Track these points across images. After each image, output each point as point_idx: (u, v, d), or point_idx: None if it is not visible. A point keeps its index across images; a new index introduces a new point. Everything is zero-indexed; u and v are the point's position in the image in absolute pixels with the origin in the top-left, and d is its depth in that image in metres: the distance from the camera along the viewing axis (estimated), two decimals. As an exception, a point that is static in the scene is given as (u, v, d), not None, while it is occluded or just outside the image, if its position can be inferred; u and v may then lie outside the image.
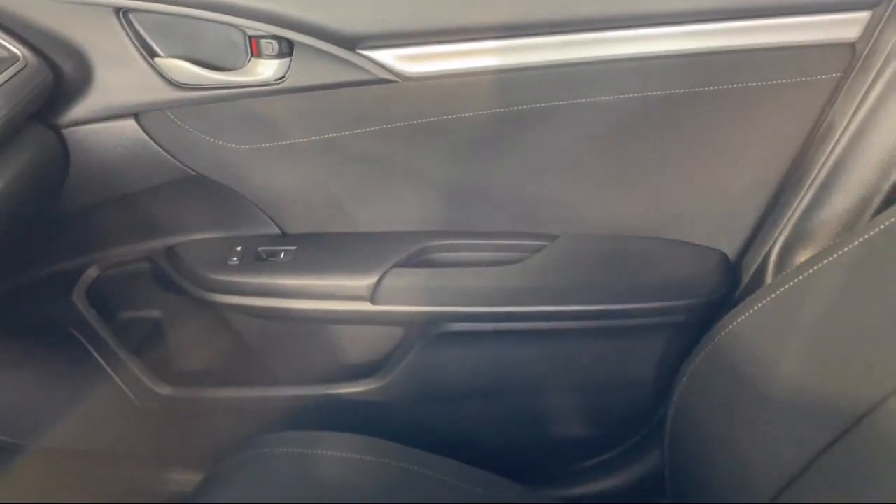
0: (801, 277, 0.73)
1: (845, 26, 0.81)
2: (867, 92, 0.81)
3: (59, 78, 0.85)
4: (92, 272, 1.02)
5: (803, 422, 0.70)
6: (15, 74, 0.79)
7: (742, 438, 0.77)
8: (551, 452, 1.12)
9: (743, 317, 0.77)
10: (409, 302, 0.95)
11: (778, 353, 0.73)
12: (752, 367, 0.76)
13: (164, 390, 1.07)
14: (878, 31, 0.80)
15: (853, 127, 0.83)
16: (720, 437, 0.79)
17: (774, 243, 0.90)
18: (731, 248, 0.96)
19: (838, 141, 0.84)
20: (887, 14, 0.79)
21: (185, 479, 1.11)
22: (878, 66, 0.80)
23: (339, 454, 0.88)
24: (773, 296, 0.75)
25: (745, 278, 0.94)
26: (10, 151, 0.78)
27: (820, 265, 0.72)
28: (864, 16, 0.80)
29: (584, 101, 0.86)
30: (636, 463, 1.11)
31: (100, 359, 1.06)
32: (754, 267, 0.92)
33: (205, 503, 0.83)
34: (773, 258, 0.90)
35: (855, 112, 0.82)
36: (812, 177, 0.86)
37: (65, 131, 0.87)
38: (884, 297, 0.66)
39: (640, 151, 0.91)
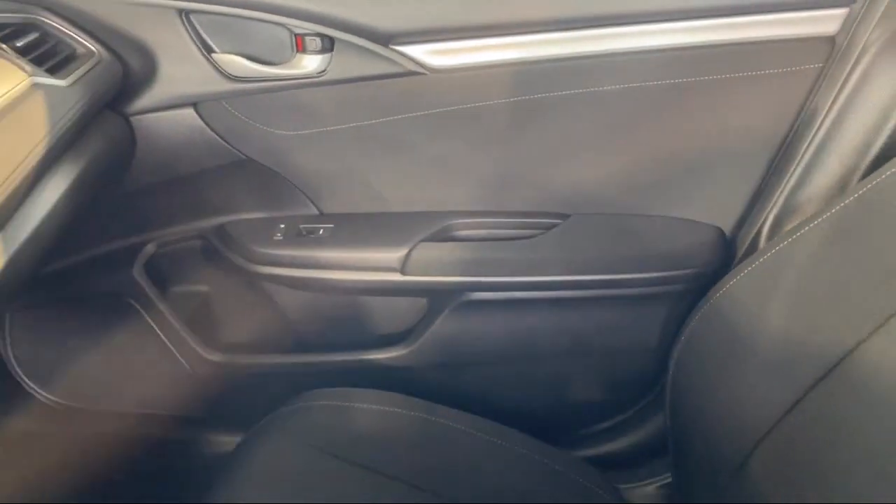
0: (786, 242, 0.81)
1: (825, 22, 0.89)
2: (846, 80, 0.89)
3: (128, 71, 0.95)
4: (150, 248, 1.12)
5: (787, 369, 0.78)
6: (91, 68, 0.89)
7: (734, 388, 0.85)
8: (564, 416, 1.20)
9: (734, 280, 0.85)
10: (435, 273, 1.04)
11: (764, 310, 0.82)
12: (741, 324, 0.84)
13: (214, 357, 1.17)
14: (854, 25, 0.88)
15: (834, 112, 0.91)
16: (714, 388, 0.87)
17: (766, 218, 0.98)
18: (726, 224, 1.04)
19: (821, 125, 0.92)
20: (862, 10, 0.88)
21: (232, 439, 1.20)
22: (855, 57, 0.88)
23: (373, 407, 0.97)
24: (762, 259, 0.83)
25: (740, 251, 1.02)
26: (88, 136, 0.88)
27: (802, 231, 0.80)
28: (842, 12, 0.88)
29: (591, 90, 0.95)
30: (643, 426, 1.19)
31: (156, 328, 1.15)
32: (748, 240, 1.00)
33: (251, 449, 0.93)
34: (764, 232, 0.98)
35: (835, 98, 0.91)
36: (798, 157, 0.95)
37: (132, 119, 0.97)
38: (855, 255, 0.75)
39: (642, 137, 0.99)
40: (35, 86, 0.78)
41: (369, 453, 0.91)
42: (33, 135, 0.74)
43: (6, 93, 0.73)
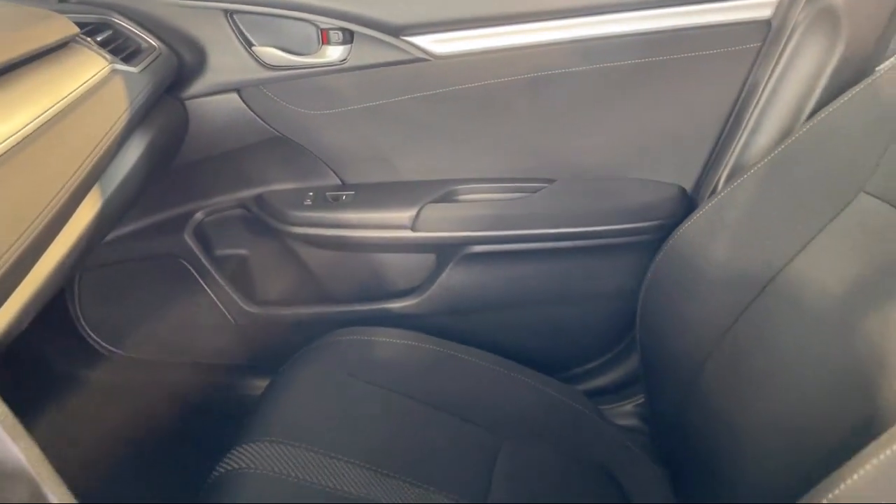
0: (728, 189, 0.96)
1: (761, 7, 1.04)
2: (780, 56, 1.04)
3: (183, 62, 1.10)
4: (199, 216, 1.27)
5: (730, 291, 0.93)
6: (154, 59, 1.04)
7: (688, 312, 0.99)
8: (556, 354, 1.33)
9: (689, 223, 1.00)
10: (441, 229, 1.19)
11: (712, 244, 0.96)
12: (693, 258, 0.98)
13: (253, 309, 1.32)
14: (785, 9, 1.03)
15: (771, 83, 1.06)
16: (672, 314, 1.02)
17: (720, 176, 1.13)
18: (687, 182, 1.19)
19: (761, 94, 1.07)
20: (790, -2, 1.02)
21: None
22: (786, 36, 1.03)
23: (392, 341, 1.11)
24: (710, 205, 0.98)
25: (699, 204, 1.16)
26: (153, 115, 1.03)
27: (741, 179, 0.95)
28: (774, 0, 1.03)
29: (569, 71, 1.10)
30: (624, 363, 1.33)
31: (204, 285, 1.30)
32: (706, 195, 1.15)
33: (292, 374, 1.07)
34: (719, 187, 1.13)
35: (772, 71, 1.05)
36: (744, 122, 1.09)
37: (186, 103, 1.13)
38: (780, 195, 0.90)
39: (613, 111, 1.14)
40: (114, 71, 0.93)
41: (391, 378, 1.05)
42: (116, 109, 0.90)
43: (94, 75, 0.89)
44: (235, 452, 0.89)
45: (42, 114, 0.74)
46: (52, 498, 0.55)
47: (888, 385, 0.64)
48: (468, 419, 1.01)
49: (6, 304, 0.62)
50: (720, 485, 0.85)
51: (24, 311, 0.65)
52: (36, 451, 0.54)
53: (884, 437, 0.51)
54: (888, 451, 0.50)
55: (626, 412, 1.25)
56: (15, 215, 0.64)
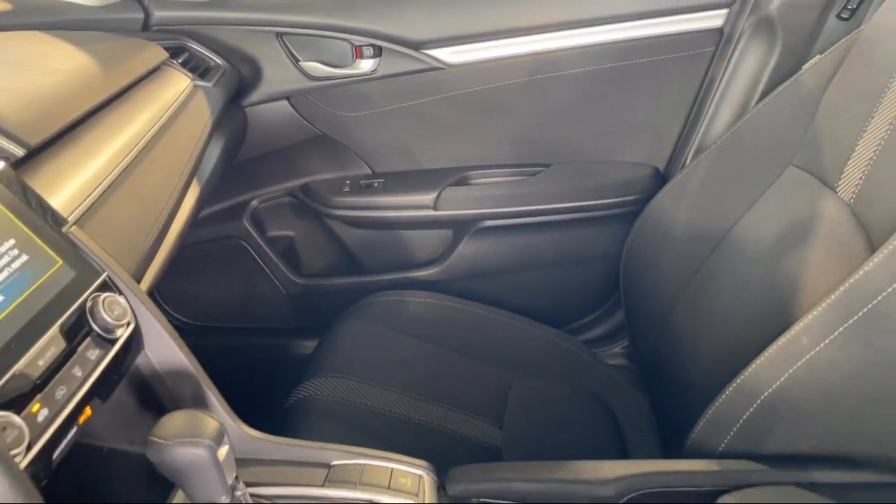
0: (692, 165, 1.15)
1: (715, 18, 1.23)
2: (730, 57, 1.23)
3: (243, 77, 1.29)
4: (254, 203, 1.47)
5: (691, 247, 1.11)
6: (221, 76, 1.23)
7: (659, 265, 1.18)
8: (555, 311, 1.52)
9: (660, 194, 1.19)
10: (457, 208, 1.38)
11: (678, 210, 1.15)
12: (663, 221, 1.17)
13: (300, 280, 1.51)
14: (734, 19, 1.22)
15: (725, 79, 1.25)
16: (647, 267, 1.21)
17: (686, 156, 1.32)
18: (660, 163, 1.38)
19: (717, 89, 1.26)
20: (737, 7, 1.21)
21: (312, 343, 1.52)
22: (735, 42, 1.22)
23: (420, 300, 1.31)
24: (678, 178, 1.16)
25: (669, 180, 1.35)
26: (225, 120, 1.22)
27: (701, 157, 1.14)
28: (725, 11, 1.22)
29: (560, 74, 1.29)
30: (611, 317, 1.52)
31: (259, 261, 1.50)
32: (675, 172, 1.33)
33: (339, 329, 1.26)
34: (687, 166, 1.31)
35: (724, 70, 1.24)
36: (705, 112, 1.28)
37: (246, 109, 1.32)
38: (731, 166, 1.08)
39: (596, 106, 1.33)
40: (196, 86, 1.13)
41: (419, 330, 1.25)
42: (203, 116, 1.09)
43: (183, 90, 1.08)
44: (303, 386, 1.08)
45: (157, 120, 0.94)
46: (209, 396, 0.75)
47: (799, 307, 0.83)
48: (485, 361, 1.20)
49: (153, 263, 0.82)
50: (684, 398, 1.04)
51: (162, 269, 0.85)
52: (194, 360, 0.74)
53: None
54: (781, 340, 0.69)
55: (614, 353, 1.44)
56: (154, 197, 0.84)
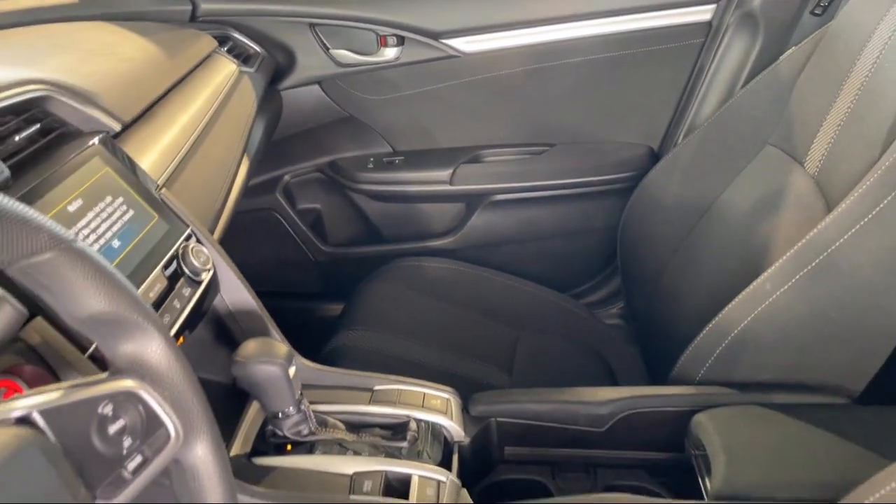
0: (681, 144, 1.27)
1: (703, 13, 1.34)
2: (717, 48, 1.34)
3: (279, 63, 1.41)
4: (287, 178, 1.58)
5: (680, 217, 1.23)
6: (261, 62, 1.35)
7: (653, 232, 1.30)
8: (558, 277, 1.65)
9: (654, 171, 1.31)
10: (470, 183, 1.50)
11: (669, 183, 1.27)
12: (656, 194, 1.29)
13: (327, 249, 1.63)
14: (720, 14, 1.33)
15: (713, 67, 1.36)
16: (641, 234, 1.32)
17: (678, 137, 1.43)
18: (654, 143, 1.49)
19: (706, 75, 1.37)
20: (724, 4, 1.32)
21: (338, 307, 1.64)
22: (721, 34, 1.33)
23: (438, 265, 1.43)
24: (669, 155, 1.28)
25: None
26: (264, 103, 1.34)
27: (690, 137, 1.25)
28: (712, 6, 1.33)
29: (563, 62, 1.40)
30: (609, 283, 1.64)
31: (291, 231, 1.62)
32: (667, 151, 1.45)
33: (365, 291, 1.39)
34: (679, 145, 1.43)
35: (713, 59, 1.36)
36: (695, 97, 1.39)
37: (282, 92, 1.44)
38: (717, 145, 1.20)
39: (597, 91, 1.45)
40: (241, 72, 1.25)
41: (436, 291, 1.37)
42: (249, 98, 1.21)
43: (231, 75, 1.20)
44: (337, 337, 1.21)
45: (214, 101, 1.06)
46: (273, 331, 0.88)
47: (767, 262, 0.94)
48: (495, 319, 1.33)
49: (220, 222, 0.95)
50: (670, 346, 1.16)
51: (226, 227, 0.98)
52: (259, 302, 0.87)
53: None
54: (750, 287, 0.81)
55: (610, 314, 1.56)
56: (218, 168, 0.96)
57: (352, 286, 1.42)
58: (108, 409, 0.42)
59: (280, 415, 0.74)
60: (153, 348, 0.45)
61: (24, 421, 0.38)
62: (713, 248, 1.16)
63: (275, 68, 1.40)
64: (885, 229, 0.76)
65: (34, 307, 0.55)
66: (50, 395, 0.40)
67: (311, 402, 0.80)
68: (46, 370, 0.55)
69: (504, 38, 1.39)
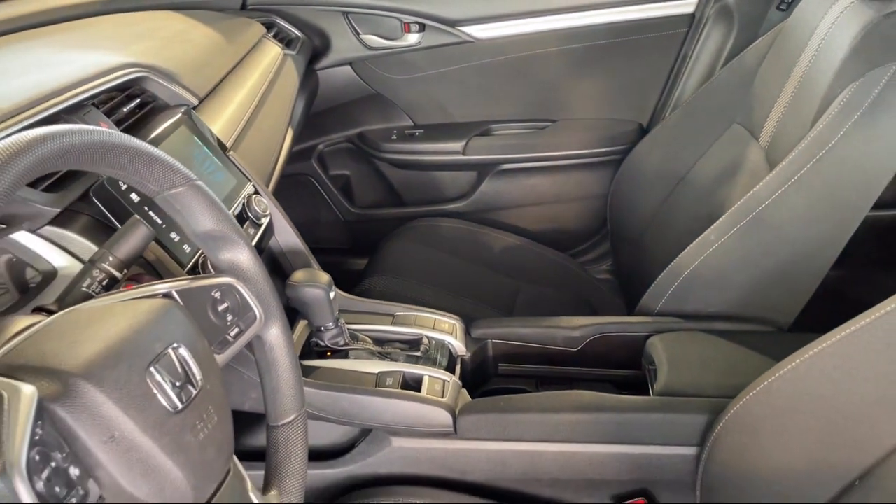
0: (664, 121, 1.42)
1: (687, 6, 1.49)
2: (699, 37, 1.49)
3: (315, 46, 1.58)
4: (321, 147, 1.76)
5: (657, 184, 1.39)
6: (301, 46, 1.52)
7: (637, 199, 1.45)
8: (557, 239, 1.81)
9: (639, 145, 1.47)
10: (481, 153, 1.67)
11: (651, 154, 1.42)
12: (640, 164, 1.45)
13: (355, 209, 1.82)
14: (702, 7, 1.48)
15: (694, 54, 1.51)
16: (625, 199, 1.49)
17: (665, 115, 1.59)
18: (644, 120, 1.65)
19: (688, 62, 1.52)
20: (705, -3, 1.47)
21: (363, 261, 1.82)
22: (702, 25, 1.48)
23: (451, 225, 1.61)
24: (652, 132, 1.44)
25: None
26: (305, 81, 1.51)
27: (672, 114, 1.41)
28: (695, 0, 1.48)
29: (564, 48, 1.56)
30: (601, 245, 1.81)
31: (323, 193, 1.80)
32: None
33: (387, 247, 1.57)
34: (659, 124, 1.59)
35: (694, 47, 1.51)
36: (681, 80, 1.55)
37: (318, 72, 1.61)
38: (694, 121, 1.35)
39: (593, 74, 1.60)
40: (285, 55, 1.42)
41: (449, 247, 1.55)
42: (293, 78, 1.39)
43: (277, 57, 1.37)
44: (363, 283, 1.39)
45: (265, 80, 1.24)
46: (315, 267, 1.06)
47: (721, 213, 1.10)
48: (499, 272, 1.50)
49: (272, 180, 1.13)
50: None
51: (275, 187, 1.16)
52: (305, 245, 1.05)
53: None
54: (700, 237, 0.98)
55: (601, 270, 1.72)
56: (270, 136, 1.14)
57: (376, 243, 1.60)
58: (217, 294, 0.60)
59: (322, 329, 0.93)
60: (244, 257, 0.63)
61: (168, 295, 0.57)
62: (683, 211, 1.32)
63: (312, 51, 1.58)
64: (804, 191, 0.92)
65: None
66: (182, 282, 0.59)
67: (346, 322, 0.99)
68: (159, 280, 0.74)
69: (513, 26, 1.55)
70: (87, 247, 0.71)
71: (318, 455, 0.92)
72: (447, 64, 1.62)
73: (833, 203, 0.94)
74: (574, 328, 1.04)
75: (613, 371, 1.04)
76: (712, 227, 1.00)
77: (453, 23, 1.54)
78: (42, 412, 0.41)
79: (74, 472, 0.42)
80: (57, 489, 0.40)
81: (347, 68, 1.63)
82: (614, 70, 1.59)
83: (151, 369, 0.48)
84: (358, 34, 1.58)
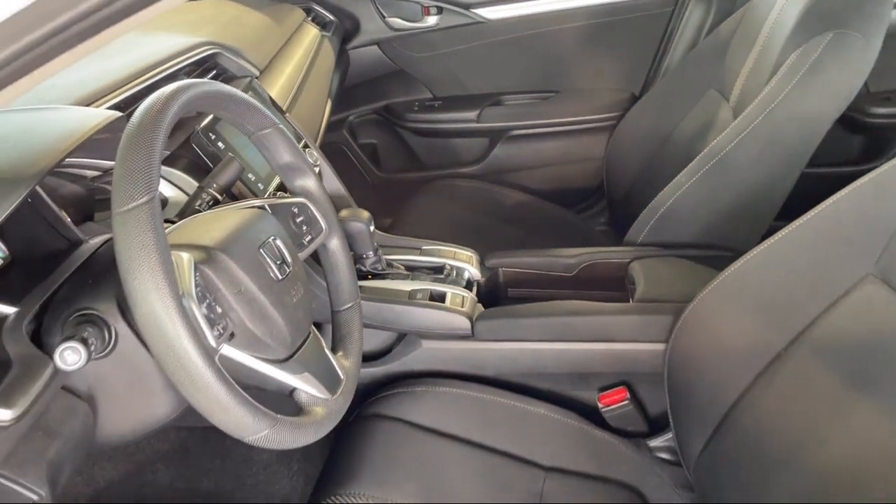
0: (652, 89, 1.59)
1: (674, -14, 1.65)
2: (683, 14, 1.65)
3: (346, 28, 1.76)
4: (351, 118, 1.94)
5: (646, 140, 1.55)
6: (335, 29, 1.70)
7: (628, 158, 1.62)
8: (560, 196, 1.97)
9: (631, 111, 1.63)
10: (493, 121, 1.84)
11: (641, 121, 1.58)
12: (631, 130, 1.61)
13: (381, 173, 1.99)
14: (686, -13, 1.64)
15: (679, 29, 1.67)
16: (623, 161, 1.65)
17: (656, 84, 1.75)
18: (636, 90, 1.81)
19: (675, 38, 1.68)
20: (691, -23, 1.63)
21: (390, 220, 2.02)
22: (686, 2, 1.64)
23: (466, 185, 1.78)
24: (641, 100, 1.60)
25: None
26: (339, 59, 1.69)
27: (657, 84, 1.57)
28: (681, -19, 1.64)
29: (563, 27, 1.72)
30: (602, 201, 1.98)
31: (354, 160, 1.98)
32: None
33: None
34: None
35: (679, 22, 1.66)
36: (668, 53, 1.71)
37: (349, 52, 1.79)
38: (678, 87, 1.52)
39: (590, 50, 1.77)
40: (322, 36, 1.60)
41: (466, 203, 1.73)
42: (330, 57, 1.56)
43: (316, 38, 1.55)
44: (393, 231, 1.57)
45: (307, 58, 1.42)
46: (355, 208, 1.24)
47: (697, 169, 1.27)
48: (508, 225, 1.67)
49: (317, 141, 1.31)
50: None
51: (321, 144, 1.34)
52: (346, 190, 1.24)
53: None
54: (673, 180, 1.16)
55: (601, 223, 1.88)
56: (314, 108, 1.32)
57: (400, 203, 1.78)
58: (295, 210, 0.79)
59: (364, 256, 1.11)
60: (312, 184, 0.81)
61: (262, 208, 0.76)
62: (667, 166, 1.48)
63: (344, 33, 1.75)
64: (757, 139, 1.09)
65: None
66: (271, 199, 0.77)
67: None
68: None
69: (520, 7, 1.71)
70: (189, 181, 0.90)
71: (364, 358, 1.11)
72: (462, 42, 1.79)
73: (781, 148, 1.10)
74: (570, 256, 1.22)
75: (602, 292, 1.22)
76: (684, 170, 1.17)
77: (467, 6, 1.71)
78: (196, 271, 0.60)
79: (218, 309, 0.61)
80: (211, 315, 0.59)
81: (375, 48, 1.81)
82: (610, 45, 1.76)
83: (260, 250, 0.67)
84: (384, 17, 1.75)
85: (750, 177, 1.13)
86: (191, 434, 1.26)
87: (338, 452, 0.98)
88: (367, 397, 1.06)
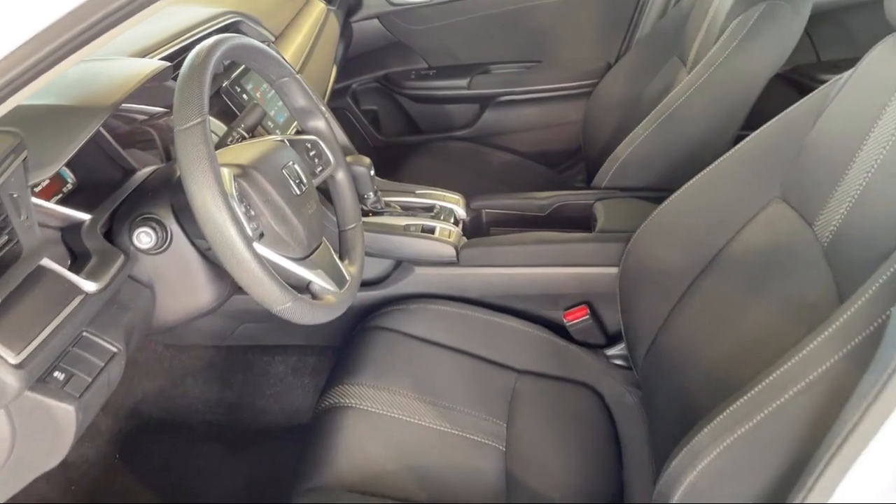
0: (624, 57, 1.73)
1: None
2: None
3: (350, 3, 1.89)
4: (354, 86, 2.08)
5: (620, 108, 1.70)
6: (340, 2, 1.83)
7: (601, 118, 1.77)
8: (544, 156, 2.11)
9: (605, 77, 1.77)
10: (483, 88, 1.98)
11: (613, 86, 1.73)
12: (605, 96, 1.75)
13: (382, 137, 2.14)
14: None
15: (649, 4, 1.80)
16: (598, 122, 1.79)
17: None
18: (611, 59, 1.95)
19: (645, 8, 1.81)
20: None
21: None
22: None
23: (459, 146, 1.93)
24: (615, 67, 1.75)
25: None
26: (343, 31, 1.83)
27: (633, 49, 1.71)
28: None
29: (541, 2, 1.86)
30: (578, 163, 2.12)
31: (356, 124, 2.12)
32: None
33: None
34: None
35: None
36: (640, 25, 1.84)
37: (353, 25, 1.93)
38: (650, 53, 1.66)
39: (571, 22, 1.91)
40: (328, 10, 1.74)
41: (459, 161, 1.88)
42: (335, 28, 1.70)
43: (322, 11, 1.69)
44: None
45: (315, 30, 1.56)
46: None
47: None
48: (496, 181, 1.83)
49: (325, 103, 1.47)
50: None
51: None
52: (350, 142, 1.39)
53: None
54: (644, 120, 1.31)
55: (579, 180, 2.04)
56: (322, 73, 1.47)
57: (399, 163, 1.93)
58: (308, 145, 0.94)
59: (365, 196, 1.27)
60: (322, 125, 0.97)
61: (281, 141, 0.91)
62: (634, 126, 1.63)
63: (348, 7, 1.89)
64: (703, 95, 1.24)
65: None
66: (289, 136, 0.93)
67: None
68: (263, 150, 1.08)
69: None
70: (220, 125, 1.05)
71: (365, 283, 1.27)
72: (455, 16, 1.93)
73: (723, 103, 1.25)
74: (544, 198, 1.38)
75: (571, 232, 1.38)
76: (641, 123, 1.32)
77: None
78: (234, 182, 0.76)
79: (251, 212, 0.77)
80: (251, 212, 0.75)
81: (375, 21, 1.95)
82: (587, 18, 1.90)
83: (282, 171, 0.83)
84: (384, -7, 1.89)
85: (697, 128, 1.28)
86: (217, 352, 1.42)
87: (344, 357, 1.14)
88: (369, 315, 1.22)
